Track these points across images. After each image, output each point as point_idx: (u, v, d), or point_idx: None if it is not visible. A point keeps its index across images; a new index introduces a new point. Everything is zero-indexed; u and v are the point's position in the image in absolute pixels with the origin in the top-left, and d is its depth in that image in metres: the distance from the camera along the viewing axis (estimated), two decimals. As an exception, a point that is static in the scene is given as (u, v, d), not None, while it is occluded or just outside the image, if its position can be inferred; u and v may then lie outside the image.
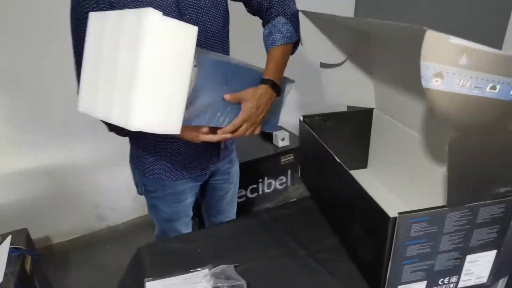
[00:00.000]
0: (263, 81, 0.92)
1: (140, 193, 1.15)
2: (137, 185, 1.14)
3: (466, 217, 0.67)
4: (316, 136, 0.96)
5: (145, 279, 0.86)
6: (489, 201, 0.67)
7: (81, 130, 1.91)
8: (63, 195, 2.06)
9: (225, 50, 1.00)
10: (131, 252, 0.99)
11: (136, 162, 1.08)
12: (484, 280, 0.76)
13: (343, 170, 0.80)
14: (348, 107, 1.18)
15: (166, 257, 0.93)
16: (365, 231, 0.76)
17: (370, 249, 0.75)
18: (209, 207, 1.31)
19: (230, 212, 1.33)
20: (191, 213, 1.21)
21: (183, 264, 0.89)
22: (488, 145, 0.62)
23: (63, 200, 2.07)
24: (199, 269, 0.89)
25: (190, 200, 1.16)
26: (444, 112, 0.56)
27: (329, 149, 0.88)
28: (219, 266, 0.85)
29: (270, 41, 0.96)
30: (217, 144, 1.08)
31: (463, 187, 0.64)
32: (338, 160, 0.83)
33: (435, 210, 0.65)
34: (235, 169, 1.26)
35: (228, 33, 1.00)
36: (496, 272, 0.76)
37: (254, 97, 0.88)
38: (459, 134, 0.58)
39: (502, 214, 0.69)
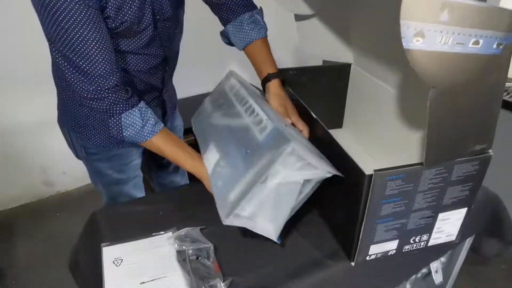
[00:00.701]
0: (274, 75, 0.97)
1: (78, 157, 1.10)
2: (73, 147, 1.09)
3: (441, 175, 0.70)
4: (291, 91, 0.95)
5: (102, 244, 0.85)
6: (464, 159, 0.70)
7: (23, 84, 1.80)
8: (5, 158, 1.96)
9: (180, 31, 1.01)
10: (85, 219, 0.97)
11: (72, 124, 1.02)
12: (453, 237, 0.82)
13: (319, 126, 0.81)
14: (324, 61, 1.18)
15: (125, 221, 0.92)
16: (340, 190, 0.78)
17: (344, 208, 0.78)
18: (159, 169, 1.30)
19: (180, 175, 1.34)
20: (141, 174, 1.20)
21: (144, 228, 0.88)
22: (466, 102, 0.64)
23: (5, 164, 1.98)
24: (162, 232, 0.88)
25: (136, 161, 1.15)
26: (426, 72, 0.57)
27: (305, 104, 0.89)
28: (184, 229, 0.85)
29: (257, 32, 0.99)
30: (162, 102, 1.09)
31: (441, 145, 0.67)
32: (314, 116, 0.84)
33: (411, 167, 0.68)
34: (178, 123, 1.26)
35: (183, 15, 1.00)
36: (465, 230, 0.82)
37: (285, 99, 0.95)
38: (439, 92, 0.59)
39: (475, 172, 0.73)
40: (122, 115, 0.83)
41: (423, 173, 0.69)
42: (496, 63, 0.61)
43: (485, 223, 1.00)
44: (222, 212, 0.74)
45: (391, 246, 0.77)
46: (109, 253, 0.84)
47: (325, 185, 0.75)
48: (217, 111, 0.96)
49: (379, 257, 0.78)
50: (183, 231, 0.85)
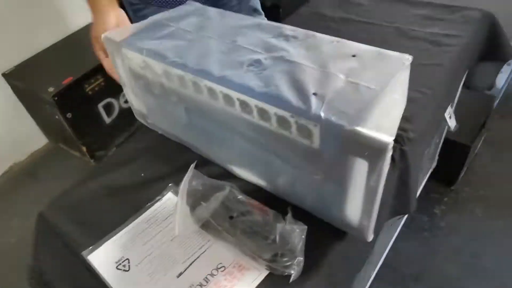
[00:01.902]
0: None
1: None
2: None
3: None
4: None
5: (83, 253, 0.56)
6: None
7: None
8: None
9: None
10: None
11: None
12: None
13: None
14: None
15: (93, 206, 0.61)
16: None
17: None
18: None
19: None
20: None
21: (128, 204, 0.59)
22: None
23: None
24: (158, 197, 0.60)
25: None
26: None
27: None
28: (181, 184, 0.56)
29: None
30: None
31: None
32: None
33: None
34: None
35: None
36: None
37: None
38: None
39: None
40: None
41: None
42: None
43: (485, 41, 0.93)
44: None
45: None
46: (100, 260, 0.56)
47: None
48: None
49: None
50: (182, 187, 0.56)
